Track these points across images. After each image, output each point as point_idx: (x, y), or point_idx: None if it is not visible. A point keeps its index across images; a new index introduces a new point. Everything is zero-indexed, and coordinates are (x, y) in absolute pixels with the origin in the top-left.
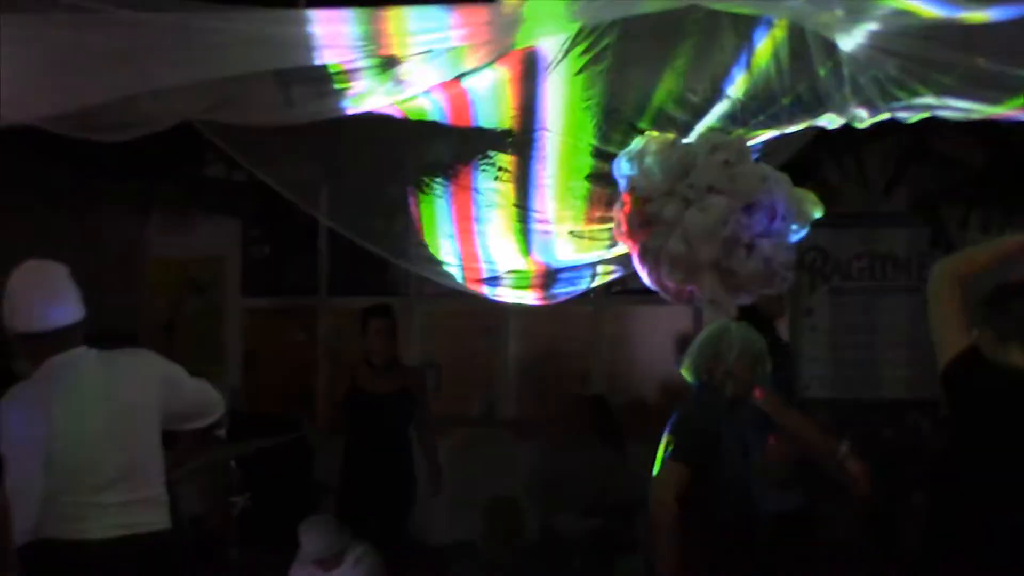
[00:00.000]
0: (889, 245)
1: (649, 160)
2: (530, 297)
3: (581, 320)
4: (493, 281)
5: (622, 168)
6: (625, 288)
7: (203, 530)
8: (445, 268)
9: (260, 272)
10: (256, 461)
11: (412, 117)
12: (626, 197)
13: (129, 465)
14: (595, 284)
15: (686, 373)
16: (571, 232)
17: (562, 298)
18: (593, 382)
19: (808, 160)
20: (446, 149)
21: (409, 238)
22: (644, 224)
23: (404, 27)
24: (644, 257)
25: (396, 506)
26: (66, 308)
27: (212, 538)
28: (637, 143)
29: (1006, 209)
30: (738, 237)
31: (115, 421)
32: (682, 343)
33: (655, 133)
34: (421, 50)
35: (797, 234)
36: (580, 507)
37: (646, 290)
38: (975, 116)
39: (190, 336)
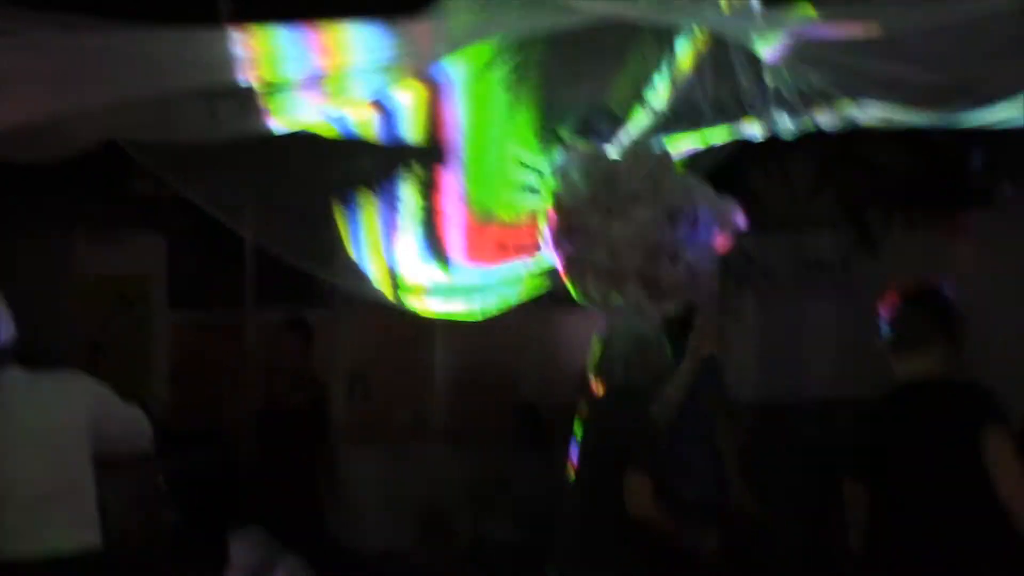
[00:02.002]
0: (814, 248)
1: (573, 171)
2: (458, 309)
3: (509, 328)
4: (419, 293)
5: (546, 179)
6: (553, 295)
7: (133, 548)
8: (371, 282)
9: (187, 286)
10: (184, 475)
11: (336, 133)
12: (550, 208)
13: (60, 485)
14: (522, 297)
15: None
16: (497, 244)
17: (489, 310)
18: (522, 390)
19: (733, 167)
20: (371, 163)
21: (335, 252)
22: (569, 235)
23: (330, 43)
24: (570, 268)
25: (317, 516)
26: None
27: (142, 555)
28: (561, 154)
29: (930, 211)
30: (662, 246)
31: (45, 442)
32: None
33: (579, 144)
34: (347, 66)
35: (721, 243)
36: (511, 515)
37: (570, 296)
38: (897, 123)
39: (118, 352)
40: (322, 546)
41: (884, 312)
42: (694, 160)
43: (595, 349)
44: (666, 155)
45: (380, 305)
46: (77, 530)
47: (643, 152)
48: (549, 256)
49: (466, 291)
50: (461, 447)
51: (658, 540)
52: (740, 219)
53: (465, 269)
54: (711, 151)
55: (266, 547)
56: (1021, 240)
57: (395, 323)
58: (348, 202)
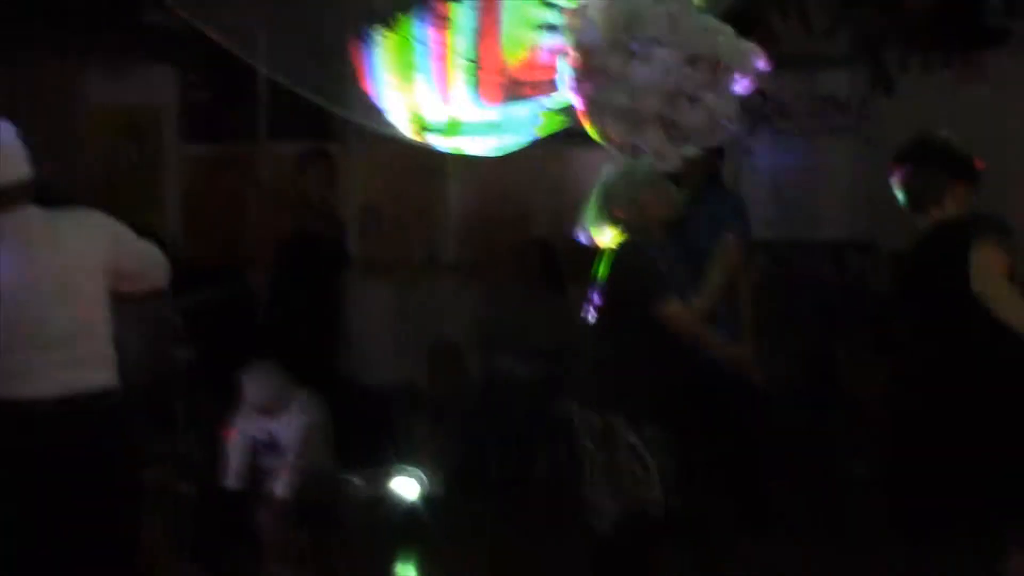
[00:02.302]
0: (830, 87)
1: (594, 12)
2: (473, 147)
3: (525, 163)
4: (435, 131)
5: (567, 20)
6: (569, 132)
7: (147, 385)
8: (386, 117)
9: (199, 119)
10: (198, 311)
11: None
12: (571, 49)
13: (76, 324)
14: (537, 135)
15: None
16: (515, 83)
17: (505, 148)
18: (537, 225)
19: (751, 8)
20: None
21: (349, 87)
22: (589, 76)
23: None
24: (589, 109)
25: (332, 348)
26: (12, 166)
27: (156, 392)
28: None
29: (946, 51)
30: (681, 89)
31: (62, 280)
32: None
33: None
34: None
35: (740, 86)
36: (523, 351)
37: (586, 132)
38: None
39: (129, 184)
40: (335, 381)
41: (894, 175)
42: (713, 1)
43: (607, 190)
44: None
45: (394, 139)
46: (94, 369)
47: None
48: (568, 97)
49: (482, 129)
50: (473, 282)
51: (690, 376)
52: (760, 62)
53: (481, 107)
54: None
55: (279, 382)
56: None
57: (408, 157)
58: (363, 36)
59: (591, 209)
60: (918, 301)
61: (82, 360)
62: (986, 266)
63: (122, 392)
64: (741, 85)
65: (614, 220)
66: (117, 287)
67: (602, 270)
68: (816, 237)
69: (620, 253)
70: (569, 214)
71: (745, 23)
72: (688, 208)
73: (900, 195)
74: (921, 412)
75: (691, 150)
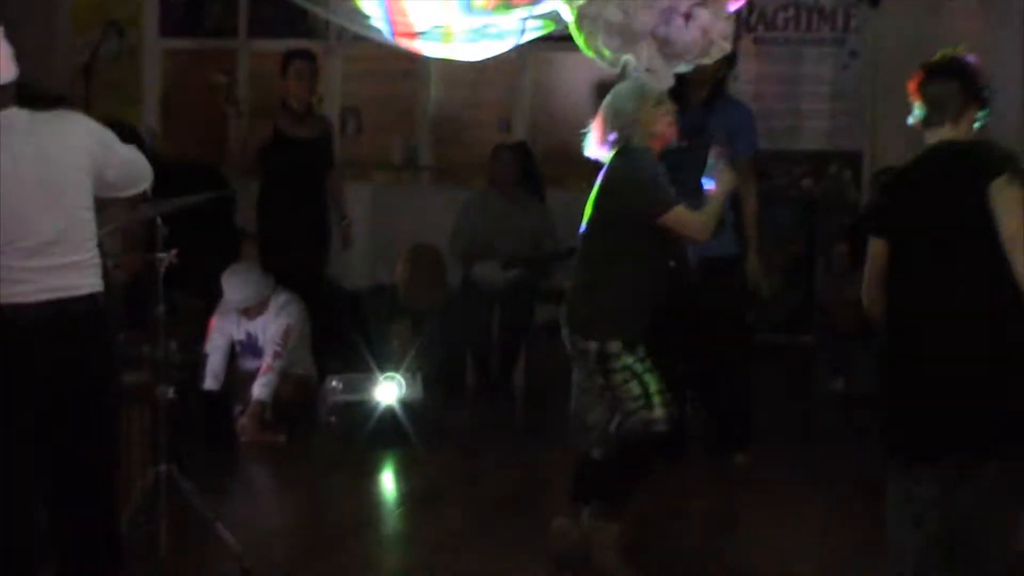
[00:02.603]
0: None
1: None
2: (458, 52)
3: (503, 66)
4: (420, 36)
5: None
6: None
7: (128, 287)
8: (370, 22)
9: (179, 13)
10: (179, 212)
11: None
12: None
13: (61, 228)
14: (522, 40)
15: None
16: None
17: (488, 54)
18: (515, 129)
19: None
20: None
21: None
22: None
23: None
24: (581, 23)
25: (313, 251)
26: None
27: (136, 293)
28: None
29: None
30: (676, 6)
31: (47, 183)
32: (601, 89)
33: None
34: None
35: (734, 4)
36: (502, 255)
37: (568, 37)
38: None
39: (109, 78)
40: (315, 283)
41: (918, 86)
42: None
43: (616, 105)
44: None
45: (374, 43)
46: (79, 274)
47: None
48: (559, 8)
49: (467, 36)
50: (452, 185)
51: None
52: None
53: (466, 14)
54: None
55: (260, 283)
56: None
57: (389, 55)
58: None
59: (599, 121)
60: (925, 218)
61: (67, 265)
62: (1012, 202)
63: (107, 296)
64: (735, 2)
65: (620, 135)
66: (100, 192)
67: (599, 185)
68: (798, 147)
69: (622, 166)
70: (548, 118)
71: None
72: (700, 119)
73: (919, 107)
74: (916, 330)
75: (683, 68)
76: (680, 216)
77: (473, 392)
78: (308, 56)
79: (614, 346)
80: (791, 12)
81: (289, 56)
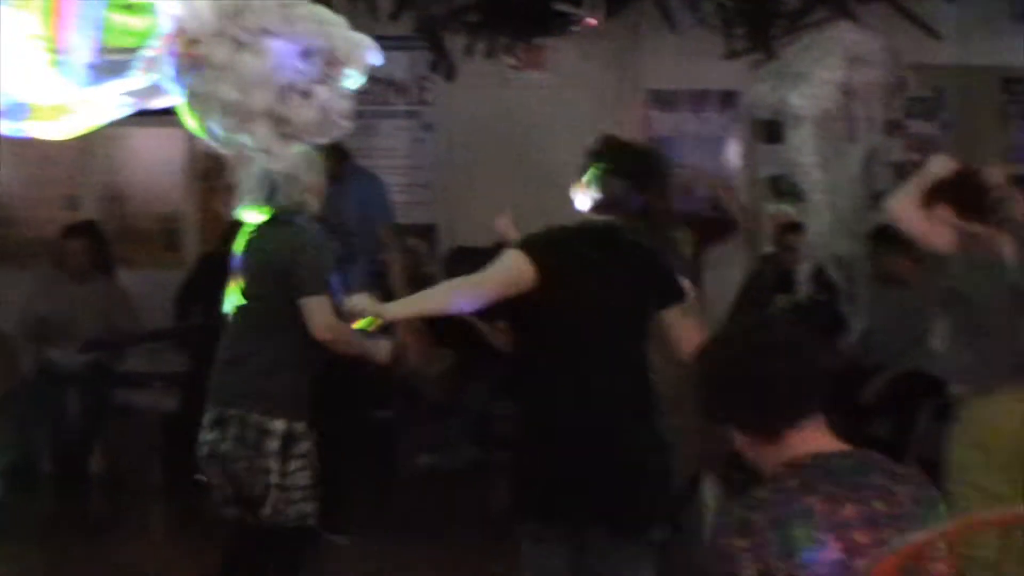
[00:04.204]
0: (389, 68)
1: None
2: (51, 130)
3: (71, 142)
4: (13, 114)
5: (168, 5)
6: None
7: None
8: None
9: None
10: None
11: None
12: (172, 37)
13: None
14: (116, 117)
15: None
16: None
17: (83, 128)
18: (85, 207)
19: None
20: None
21: None
22: (192, 67)
23: None
24: (192, 102)
25: None
26: None
27: None
28: None
29: (512, 36)
30: (293, 83)
31: None
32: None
33: None
34: None
35: (352, 80)
36: (75, 341)
37: (142, 112)
38: None
39: None
40: None
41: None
42: None
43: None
44: None
45: None
46: None
47: None
48: (170, 87)
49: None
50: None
51: None
52: (374, 56)
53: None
54: None
55: None
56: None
57: None
58: None
59: (249, 191)
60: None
61: None
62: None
63: None
64: (353, 80)
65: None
66: None
67: (250, 253)
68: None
69: (279, 235)
70: (120, 195)
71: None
72: (333, 189)
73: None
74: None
75: (301, 147)
76: (323, 306)
77: (51, 481)
78: None
79: (278, 423)
80: (366, 84)
81: None
